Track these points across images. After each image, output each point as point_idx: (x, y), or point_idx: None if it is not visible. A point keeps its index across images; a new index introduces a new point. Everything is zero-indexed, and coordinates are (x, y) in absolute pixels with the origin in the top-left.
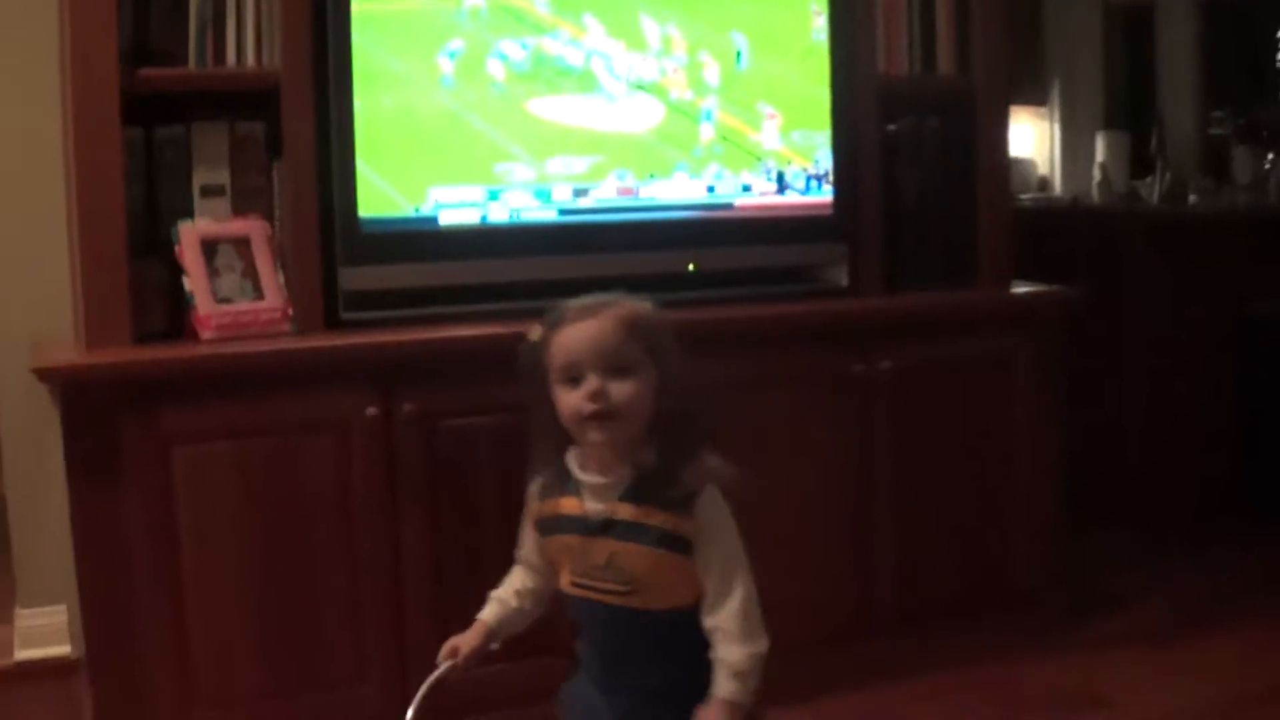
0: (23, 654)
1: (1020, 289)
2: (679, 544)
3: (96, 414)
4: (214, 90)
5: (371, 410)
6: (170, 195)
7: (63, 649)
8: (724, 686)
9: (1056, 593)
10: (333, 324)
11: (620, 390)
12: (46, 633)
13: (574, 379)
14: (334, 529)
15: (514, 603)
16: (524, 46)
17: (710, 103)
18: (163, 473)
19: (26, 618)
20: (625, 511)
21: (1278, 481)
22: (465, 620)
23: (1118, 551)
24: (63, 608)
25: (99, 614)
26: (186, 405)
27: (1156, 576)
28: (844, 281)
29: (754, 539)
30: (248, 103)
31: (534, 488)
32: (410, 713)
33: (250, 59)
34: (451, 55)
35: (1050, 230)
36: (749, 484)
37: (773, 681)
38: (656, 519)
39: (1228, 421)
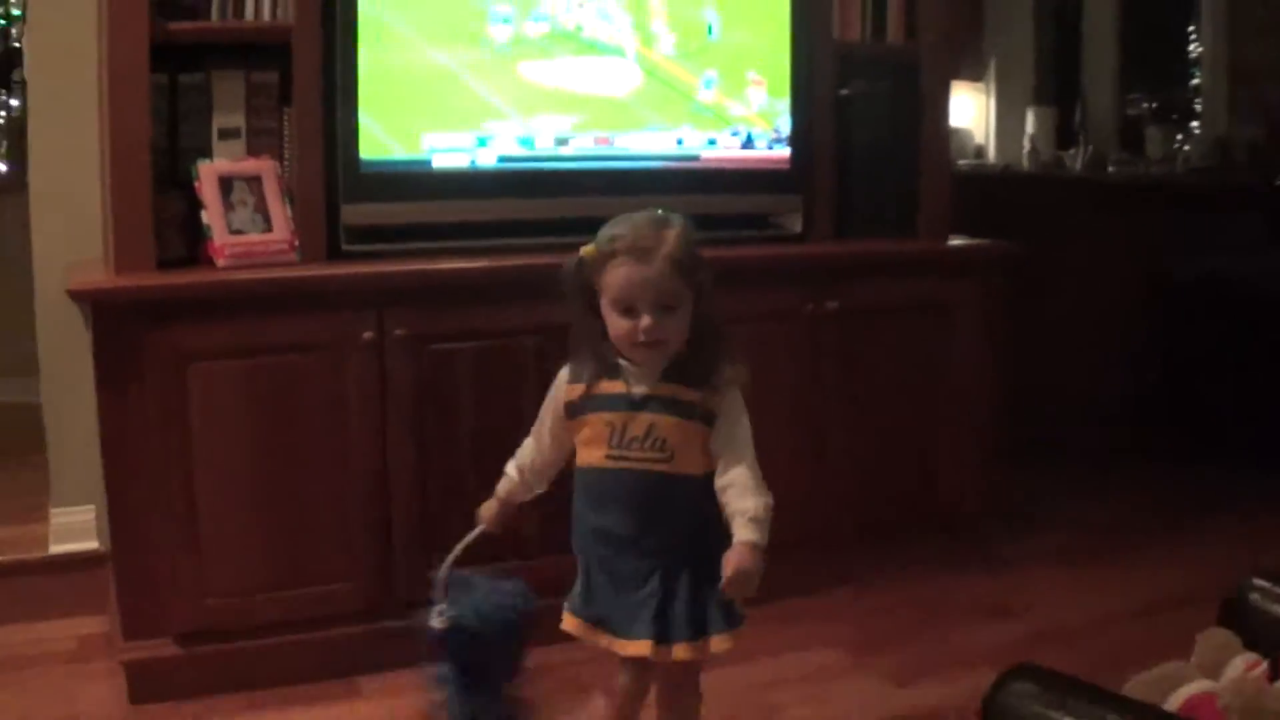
0: (56, 548)
1: (958, 241)
2: (706, 417)
3: (122, 332)
4: (232, 42)
5: (367, 334)
6: (191, 136)
7: (91, 544)
8: (746, 531)
9: (983, 516)
10: (334, 255)
11: (669, 324)
12: (77, 529)
13: (628, 310)
14: (329, 441)
15: (516, 477)
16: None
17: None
18: (179, 386)
19: (59, 516)
20: (665, 389)
21: (1181, 423)
22: (445, 524)
23: (1038, 482)
24: (91, 507)
25: (122, 512)
26: (201, 325)
27: (1071, 505)
28: (798, 229)
29: None
30: (262, 54)
31: (564, 375)
32: (444, 568)
33: (266, 14)
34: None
35: (984, 193)
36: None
37: None
38: (690, 395)
39: (1138, 366)
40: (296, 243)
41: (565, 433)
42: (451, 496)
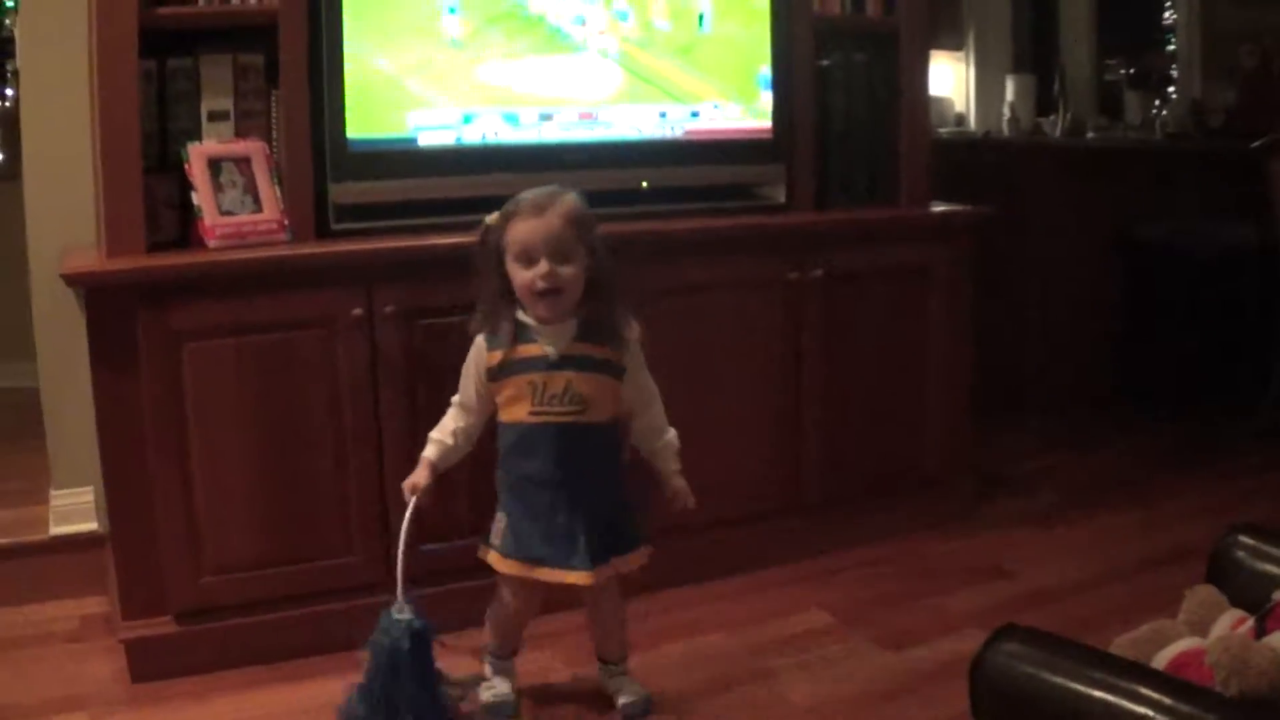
0: (56, 530)
1: (938, 207)
2: (615, 370)
3: (116, 314)
4: (220, 26)
5: (356, 310)
6: (180, 119)
7: (90, 525)
8: (675, 461)
9: (962, 478)
10: (323, 234)
11: (564, 272)
12: (76, 511)
13: (529, 260)
14: (322, 417)
15: (450, 441)
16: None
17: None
18: (174, 365)
19: (59, 498)
20: (577, 349)
21: (1152, 382)
22: (440, 496)
23: (1014, 442)
24: (90, 489)
25: (120, 493)
26: (194, 305)
27: (1047, 464)
28: (781, 198)
29: (699, 426)
30: (249, 36)
31: (481, 342)
32: (401, 543)
33: None
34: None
35: (964, 160)
36: (693, 375)
37: (711, 553)
38: (600, 353)
39: (1111, 327)
40: (286, 222)
41: (488, 394)
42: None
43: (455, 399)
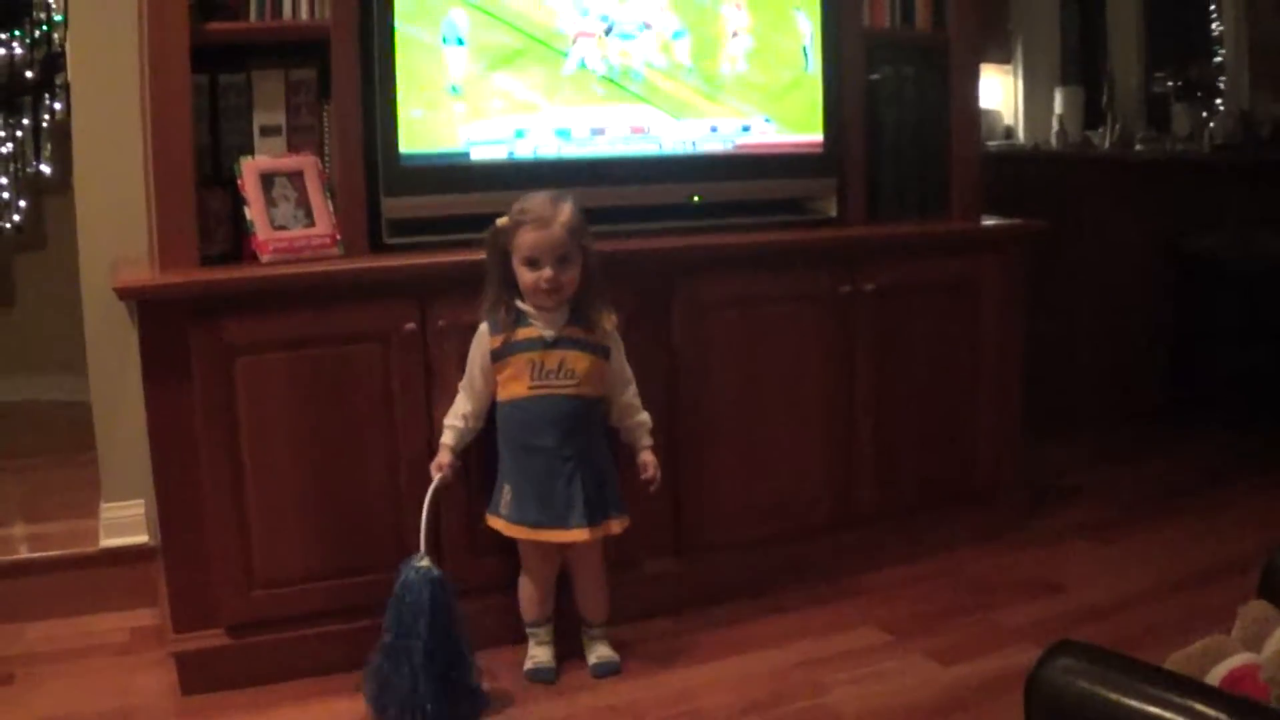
0: (107, 542)
1: (988, 221)
2: (602, 351)
3: (168, 328)
4: (271, 41)
5: (409, 325)
6: (232, 134)
7: (141, 538)
8: (648, 439)
9: (1015, 491)
10: (376, 248)
11: (565, 274)
12: (127, 524)
13: (534, 263)
14: (375, 430)
15: (461, 424)
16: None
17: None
18: (226, 380)
19: (110, 510)
20: (569, 331)
21: (1203, 394)
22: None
23: (1066, 455)
24: (141, 502)
25: (171, 506)
26: (247, 320)
27: (1101, 476)
28: (833, 212)
29: (752, 439)
30: (301, 51)
31: (484, 330)
32: (425, 509)
33: (304, 12)
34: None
35: (1014, 173)
36: (746, 389)
37: (764, 567)
38: (589, 335)
39: (1162, 339)
40: (338, 236)
41: (491, 374)
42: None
43: (461, 384)
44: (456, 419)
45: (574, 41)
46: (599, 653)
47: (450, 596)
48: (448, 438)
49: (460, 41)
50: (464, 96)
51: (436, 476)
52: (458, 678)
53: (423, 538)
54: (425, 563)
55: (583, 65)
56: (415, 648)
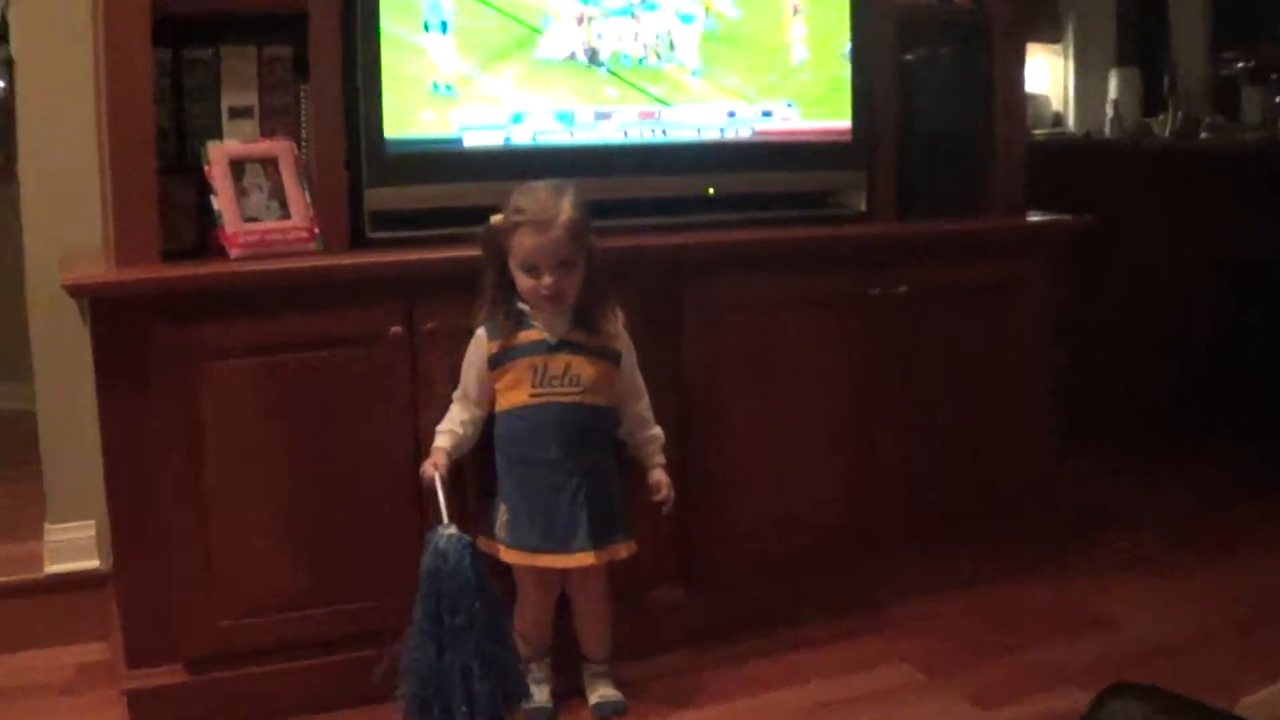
0: (52, 568)
1: (1030, 217)
2: (611, 356)
3: (126, 329)
4: (243, 12)
5: (395, 328)
6: (199, 116)
7: (90, 562)
8: (660, 456)
9: (1057, 514)
10: (358, 243)
11: (567, 279)
12: (75, 547)
13: (533, 269)
14: (356, 445)
15: (460, 430)
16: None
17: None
18: (190, 387)
19: (55, 532)
20: (575, 335)
21: (1251, 403)
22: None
23: (1106, 467)
24: (91, 522)
25: (127, 527)
26: (213, 321)
27: (1141, 494)
28: (861, 207)
29: (768, 455)
30: (276, 25)
31: (481, 334)
32: (440, 494)
33: None
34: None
35: (1063, 164)
36: (762, 400)
37: (781, 597)
38: (595, 340)
39: (1208, 347)
40: (316, 230)
41: (489, 381)
42: (490, 500)
43: (455, 394)
44: (454, 424)
45: (578, 19)
46: (601, 692)
47: (483, 564)
48: (442, 441)
49: (451, 17)
50: (456, 77)
51: (434, 477)
52: (504, 654)
53: (444, 506)
54: (454, 530)
55: (586, 44)
56: (466, 623)
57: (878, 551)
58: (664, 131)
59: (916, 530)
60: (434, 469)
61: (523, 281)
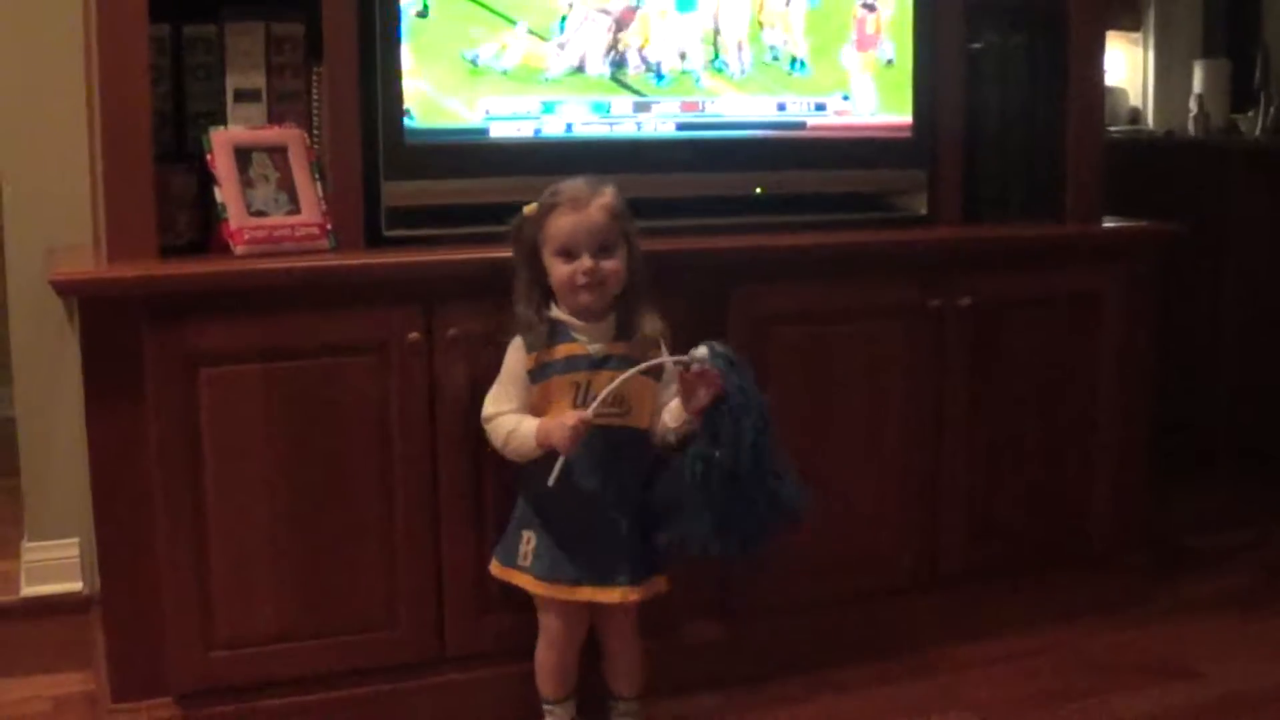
0: (30, 590)
1: (1110, 223)
2: (655, 371)
3: (118, 331)
4: None
5: (413, 334)
6: (200, 99)
7: (73, 585)
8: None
9: (1137, 550)
10: (374, 241)
11: (607, 265)
12: (56, 568)
13: (568, 253)
14: (368, 461)
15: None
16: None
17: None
18: (188, 395)
19: (34, 551)
20: (619, 348)
21: None
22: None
23: (1202, 508)
24: (75, 541)
25: (115, 547)
26: (215, 323)
27: (1246, 534)
28: (923, 209)
29: (818, 482)
30: (287, 1)
31: (519, 345)
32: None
33: None
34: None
35: (1140, 165)
36: (812, 421)
37: (831, 636)
38: (640, 353)
39: None
40: (329, 226)
41: (529, 397)
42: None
43: (492, 411)
44: (522, 416)
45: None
46: None
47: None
48: (533, 424)
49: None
50: (482, 61)
51: (584, 421)
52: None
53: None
54: (701, 350)
55: (627, 29)
56: (750, 429)
57: (937, 589)
58: (709, 125)
59: (983, 568)
60: (576, 419)
61: (559, 270)
